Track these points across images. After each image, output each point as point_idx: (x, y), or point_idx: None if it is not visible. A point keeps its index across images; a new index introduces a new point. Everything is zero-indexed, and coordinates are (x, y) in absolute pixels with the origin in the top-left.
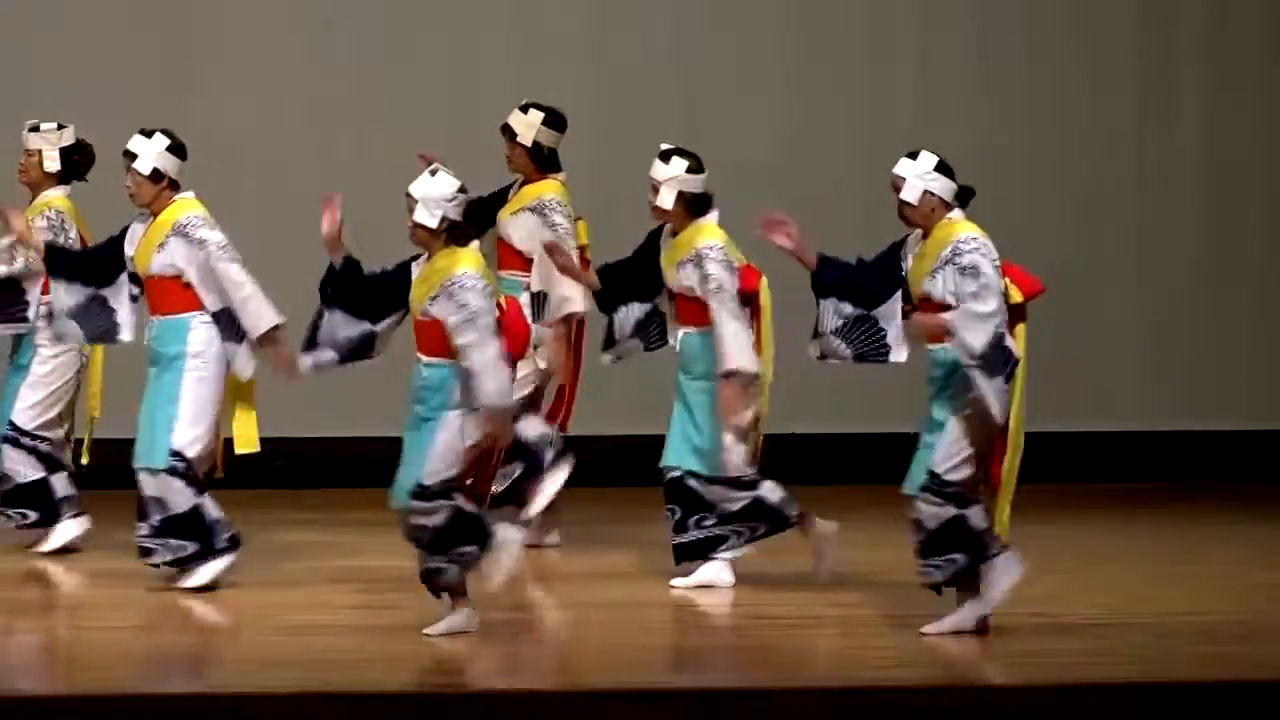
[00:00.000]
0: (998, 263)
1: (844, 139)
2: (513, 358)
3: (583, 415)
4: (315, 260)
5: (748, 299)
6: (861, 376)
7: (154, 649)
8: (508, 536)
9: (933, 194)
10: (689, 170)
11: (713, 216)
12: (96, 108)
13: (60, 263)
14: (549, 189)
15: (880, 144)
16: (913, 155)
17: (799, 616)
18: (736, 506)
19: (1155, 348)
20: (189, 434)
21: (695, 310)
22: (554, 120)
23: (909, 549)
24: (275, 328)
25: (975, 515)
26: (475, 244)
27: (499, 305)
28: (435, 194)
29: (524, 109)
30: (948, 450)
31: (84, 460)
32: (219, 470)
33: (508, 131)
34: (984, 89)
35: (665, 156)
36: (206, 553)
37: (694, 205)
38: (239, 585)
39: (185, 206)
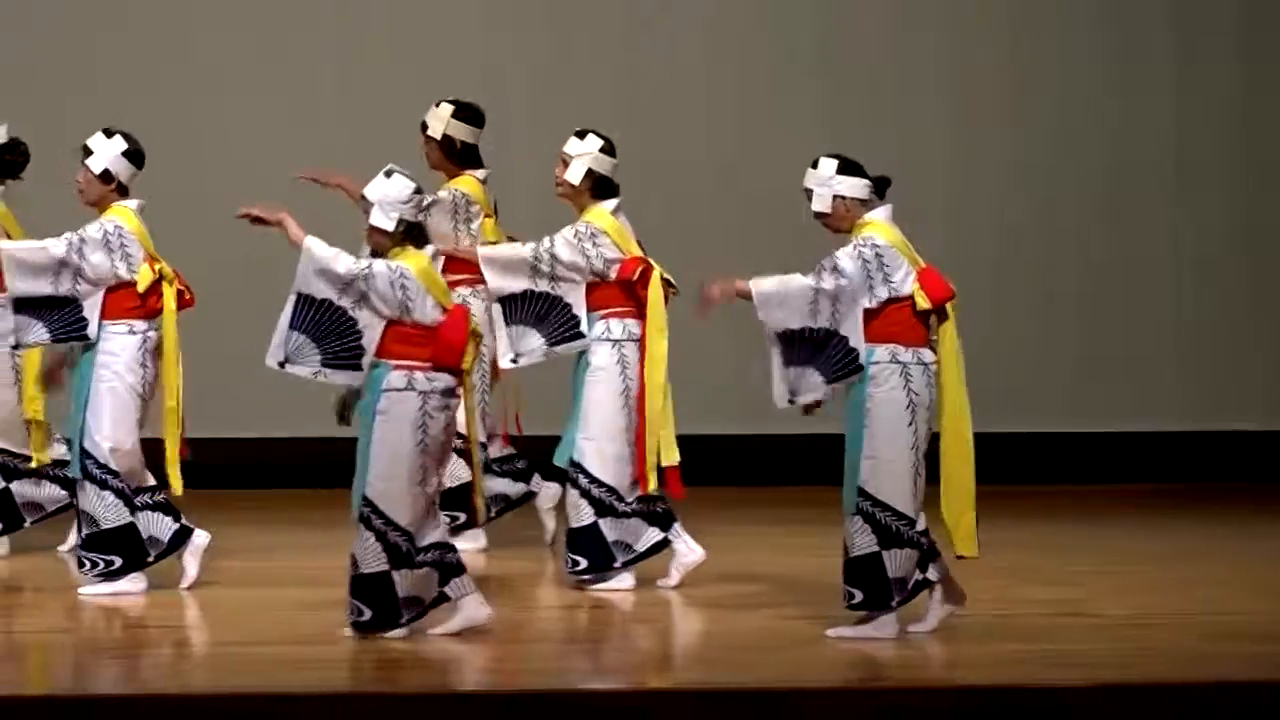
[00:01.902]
0: (884, 263)
1: (876, 142)
2: (452, 368)
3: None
4: None
5: (628, 288)
6: None
7: (153, 649)
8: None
9: (843, 198)
10: (602, 150)
11: (609, 205)
12: (95, 108)
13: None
14: (459, 184)
15: (913, 144)
16: (814, 164)
17: (798, 617)
18: None
19: (1184, 348)
20: (97, 440)
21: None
22: (467, 115)
23: None
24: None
25: (893, 559)
26: (431, 248)
27: (443, 309)
28: (391, 196)
29: (438, 104)
30: (860, 464)
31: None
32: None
33: (423, 127)
34: (1017, 90)
35: (581, 134)
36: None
37: (599, 186)
38: (239, 585)
39: (114, 214)
